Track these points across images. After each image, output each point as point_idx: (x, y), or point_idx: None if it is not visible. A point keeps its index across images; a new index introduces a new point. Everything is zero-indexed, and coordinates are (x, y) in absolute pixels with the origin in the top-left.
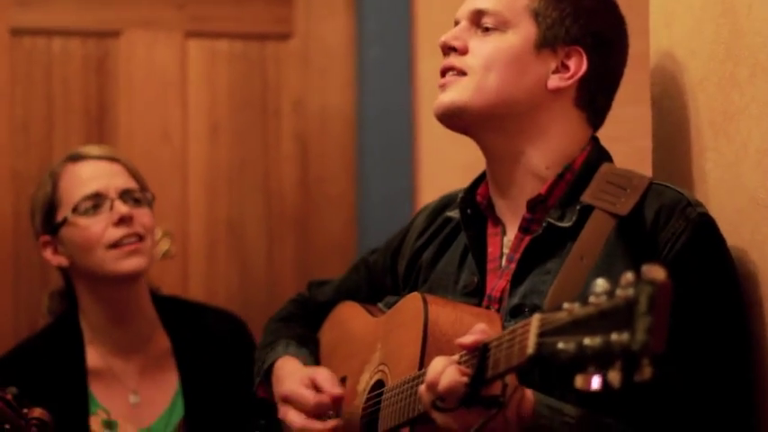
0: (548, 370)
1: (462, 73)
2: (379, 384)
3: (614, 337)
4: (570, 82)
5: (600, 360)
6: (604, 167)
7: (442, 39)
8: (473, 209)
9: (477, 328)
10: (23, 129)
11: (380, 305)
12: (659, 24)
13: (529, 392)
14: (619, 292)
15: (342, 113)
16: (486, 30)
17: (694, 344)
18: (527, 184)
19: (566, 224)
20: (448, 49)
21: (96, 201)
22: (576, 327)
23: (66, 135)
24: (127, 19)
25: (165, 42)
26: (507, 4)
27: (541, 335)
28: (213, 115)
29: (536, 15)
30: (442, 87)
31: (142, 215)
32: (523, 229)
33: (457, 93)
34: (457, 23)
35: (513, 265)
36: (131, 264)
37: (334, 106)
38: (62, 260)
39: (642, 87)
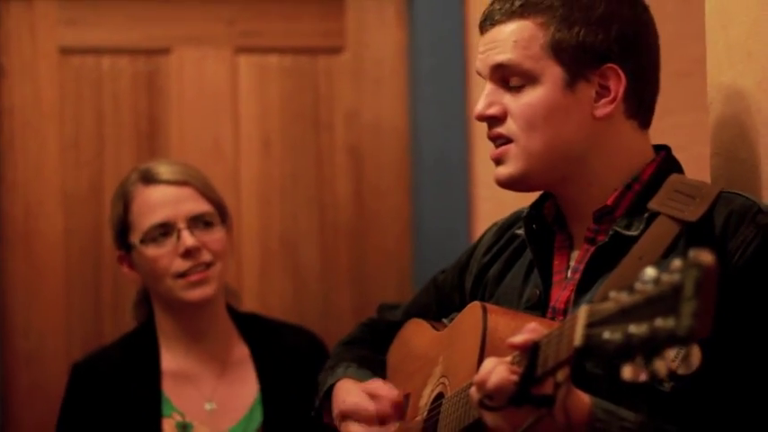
0: (610, 371)
1: (509, 140)
2: (440, 397)
3: (659, 322)
4: (616, 103)
5: (647, 348)
6: (673, 177)
7: (477, 111)
8: (540, 224)
9: (529, 327)
10: (74, 147)
11: (445, 320)
12: (716, 26)
13: (584, 396)
14: (665, 277)
15: (395, 125)
16: (516, 87)
17: (765, 353)
18: (594, 200)
19: (633, 233)
20: (486, 120)
21: (164, 230)
22: (623, 315)
23: (116, 153)
24: (176, 36)
25: (215, 58)
26: (524, 51)
27: (589, 326)
28: (265, 130)
29: (555, 52)
30: (496, 161)
31: (213, 241)
32: (590, 240)
33: (511, 165)
34: (479, 73)
35: (577, 276)
36: (198, 294)
37: (388, 118)
38: (136, 276)
39: (699, 93)
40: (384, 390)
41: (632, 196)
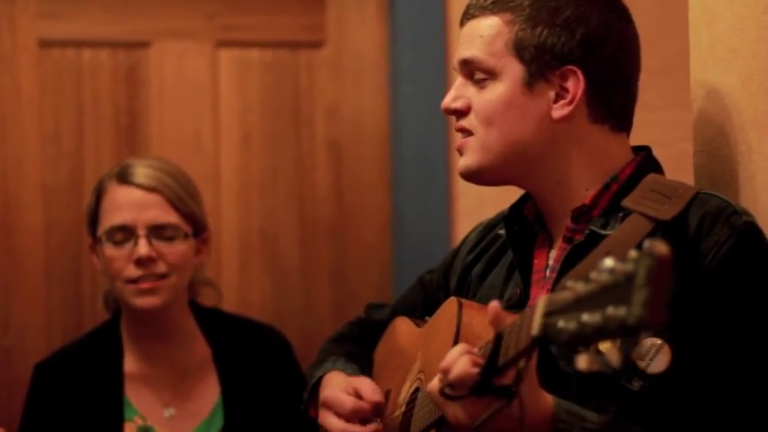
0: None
1: (470, 133)
2: (418, 392)
3: (611, 311)
4: (574, 105)
5: (599, 337)
6: (650, 177)
7: (443, 104)
8: (521, 224)
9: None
10: (54, 140)
11: (428, 317)
12: (699, 23)
13: (548, 396)
14: (619, 267)
15: (375, 120)
16: (480, 82)
17: (735, 355)
18: (568, 200)
19: (608, 231)
20: (451, 113)
21: (124, 234)
22: (579, 304)
23: (96, 146)
24: (156, 29)
25: (196, 52)
26: (488, 47)
27: (546, 315)
28: (245, 124)
29: (517, 50)
30: (459, 151)
31: (171, 253)
32: (567, 239)
33: (469, 156)
34: (454, 69)
35: (554, 275)
36: (146, 302)
37: (368, 113)
38: (101, 268)
39: (680, 90)
40: (367, 389)
41: (610, 196)
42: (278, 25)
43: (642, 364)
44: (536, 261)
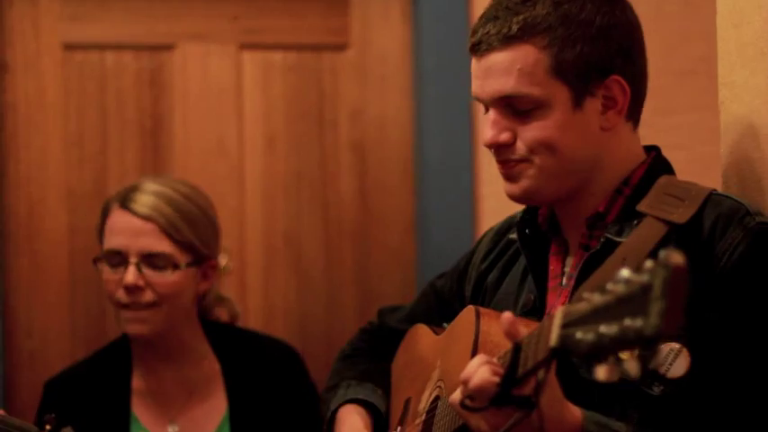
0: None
1: (522, 161)
2: (438, 400)
3: (628, 322)
4: (623, 113)
5: (618, 348)
6: (663, 179)
7: (487, 139)
8: (533, 229)
9: (518, 327)
10: (77, 144)
11: (446, 324)
12: (727, 25)
13: (575, 409)
14: (635, 278)
15: (400, 122)
16: (525, 112)
17: (753, 357)
18: (588, 207)
19: (624, 239)
20: (497, 147)
21: (118, 258)
22: (596, 316)
23: (120, 149)
24: (180, 32)
25: (220, 55)
26: (531, 78)
27: (564, 326)
28: (269, 127)
29: (561, 73)
30: (507, 178)
31: (161, 283)
32: (583, 246)
33: (525, 182)
34: (478, 99)
35: (572, 283)
36: (134, 329)
37: (392, 115)
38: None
39: (703, 93)
40: None
41: (623, 201)
42: (302, 28)
43: (662, 370)
44: (551, 267)
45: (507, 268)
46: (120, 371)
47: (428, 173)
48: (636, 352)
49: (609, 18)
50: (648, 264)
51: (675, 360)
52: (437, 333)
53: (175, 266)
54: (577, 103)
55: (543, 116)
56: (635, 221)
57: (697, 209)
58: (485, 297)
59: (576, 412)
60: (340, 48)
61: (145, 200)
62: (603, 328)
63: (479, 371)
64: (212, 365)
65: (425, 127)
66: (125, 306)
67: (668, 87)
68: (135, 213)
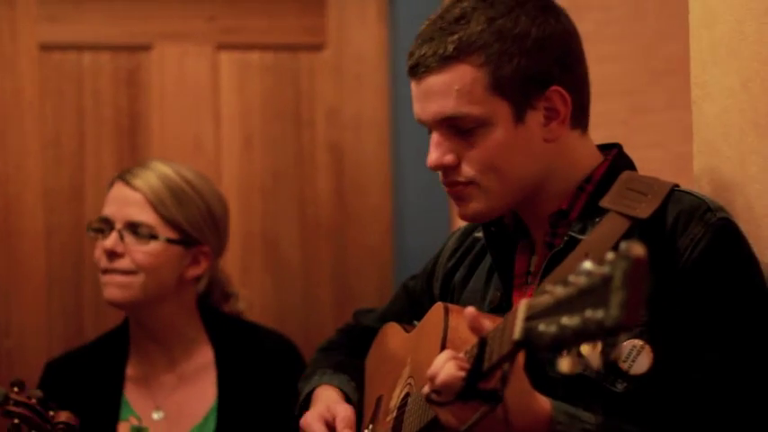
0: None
1: (469, 183)
2: (408, 397)
3: (589, 313)
4: (566, 123)
5: (579, 339)
6: (625, 175)
7: (432, 162)
8: (499, 227)
9: (483, 321)
10: (54, 143)
11: (416, 321)
12: (699, 25)
13: (544, 399)
14: (596, 270)
15: (376, 122)
16: (467, 132)
17: (716, 352)
18: (551, 204)
19: (586, 236)
20: (441, 169)
21: (103, 225)
22: (558, 308)
23: (97, 149)
24: (157, 32)
25: (197, 55)
26: (470, 98)
27: (528, 319)
28: (246, 126)
29: (500, 90)
30: (455, 198)
31: (139, 252)
32: (547, 244)
33: (475, 204)
34: (420, 121)
35: (537, 280)
36: (109, 293)
37: (369, 115)
38: None
39: (678, 92)
40: (340, 422)
41: (585, 198)
42: (278, 28)
43: (624, 366)
44: (517, 266)
45: (474, 266)
46: (116, 356)
47: (405, 172)
48: (598, 344)
49: (544, 29)
50: (609, 255)
51: (638, 357)
52: (407, 331)
53: (155, 237)
54: (519, 117)
55: (486, 135)
56: (597, 219)
57: (659, 204)
58: (452, 295)
59: (544, 403)
60: (317, 48)
61: (142, 174)
62: (566, 320)
63: (446, 366)
64: (206, 354)
65: (402, 127)
66: (104, 271)
67: (645, 87)
68: (128, 184)
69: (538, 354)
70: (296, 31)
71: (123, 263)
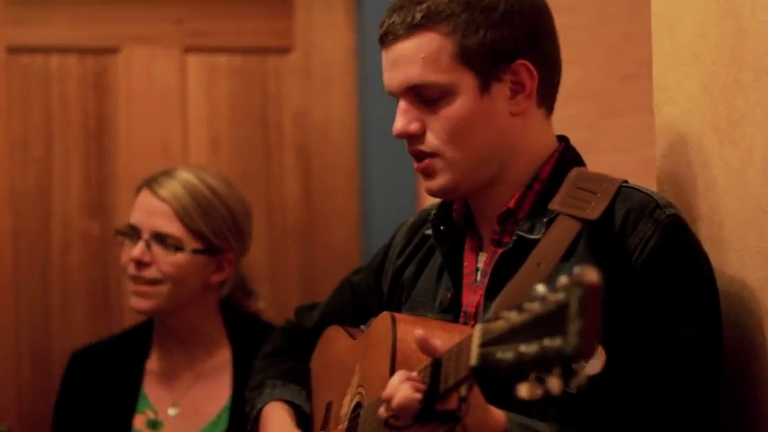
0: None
1: (433, 155)
2: (359, 406)
3: (547, 342)
4: (532, 97)
5: (538, 367)
6: (574, 172)
7: (396, 129)
8: (447, 225)
9: (433, 342)
10: (22, 146)
11: (363, 326)
12: (662, 28)
13: (499, 413)
14: (551, 296)
15: (344, 125)
16: (432, 101)
17: (666, 351)
18: (500, 202)
19: (535, 236)
20: (405, 137)
21: (131, 233)
22: (514, 335)
23: (65, 152)
24: (125, 35)
25: (164, 57)
26: (435, 66)
27: (483, 345)
28: (213, 129)
29: (465, 60)
30: (423, 173)
31: (165, 262)
32: (495, 242)
33: (441, 178)
34: (389, 91)
35: (486, 280)
36: (137, 304)
37: (336, 118)
38: None
39: (645, 95)
40: None
41: (533, 196)
42: (246, 31)
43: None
44: (466, 264)
45: (423, 263)
46: (138, 350)
47: (372, 175)
48: (557, 369)
49: (513, 3)
50: (563, 280)
51: (591, 358)
52: (353, 336)
53: (181, 249)
54: (484, 88)
55: (450, 104)
56: (545, 219)
57: (608, 202)
58: (402, 293)
59: (499, 416)
60: (284, 51)
61: (168, 184)
62: (523, 348)
63: (401, 389)
64: (224, 353)
65: (369, 129)
66: (132, 279)
67: (611, 90)
68: (155, 194)
69: (494, 378)
70: (263, 34)
71: (150, 272)
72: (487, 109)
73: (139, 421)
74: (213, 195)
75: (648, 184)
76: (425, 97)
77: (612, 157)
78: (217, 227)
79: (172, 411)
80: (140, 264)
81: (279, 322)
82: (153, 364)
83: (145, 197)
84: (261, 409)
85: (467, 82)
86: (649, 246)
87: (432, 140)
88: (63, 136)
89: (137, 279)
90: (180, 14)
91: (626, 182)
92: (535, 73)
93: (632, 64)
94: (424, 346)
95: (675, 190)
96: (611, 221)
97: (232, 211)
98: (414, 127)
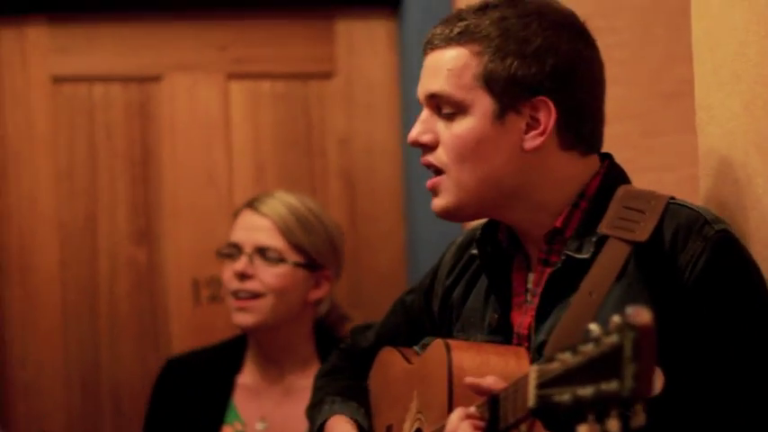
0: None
1: (440, 171)
2: None
3: (604, 386)
4: (546, 135)
5: (596, 408)
6: (621, 191)
7: (410, 137)
8: (494, 246)
9: (489, 378)
10: (67, 176)
11: (417, 348)
12: (703, 49)
13: None
14: (605, 339)
15: (388, 150)
16: (448, 116)
17: (724, 370)
18: (543, 224)
19: (584, 255)
20: (418, 146)
21: (233, 250)
22: (570, 377)
23: (110, 181)
24: (168, 63)
25: (207, 85)
26: (456, 81)
27: (540, 386)
28: (258, 156)
29: (487, 83)
30: (431, 191)
31: (268, 274)
32: (543, 261)
33: (444, 197)
34: (418, 100)
35: (536, 300)
36: (239, 319)
37: (380, 143)
38: None
39: (689, 114)
40: None
41: (580, 215)
42: (288, 56)
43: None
44: (515, 284)
45: (472, 283)
46: (231, 363)
47: (417, 199)
48: (615, 411)
49: (551, 42)
50: (616, 320)
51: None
52: (408, 359)
53: (283, 261)
54: (499, 115)
55: (462, 122)
56: (593, 238)
57: (657, 222)
58: (451, 313)
59: None
60: (326, 76)
61: (269, 202)
62: (580, 390)
63: (461, 427)
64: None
65: (414, 153)
66: (234, 294)
67: (655, 109)
68: (257, 212)
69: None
70: (306, 59)
71: (253, 284)
72: (498, 136)
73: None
74: (311, 213)
75: (693, 202)
76: (442, 110)
77: (656, 176)
78: (315, 243)
79: (260, 426)
80: (243, 277)
81: None
82: (244, 378)
83: (246, 216)
84: (323, 424)
85: (483, 104)
86: (700, 263)
87: (441, 155)
88: (108, 165)
89: (239, 293)
90: (222, 42)
91: (673, 198)
92: (553, 113)
93: (675, 83)
94: (478, 391)
95: (720, 209)
96: (661, 240)
97: (328, 229)
98: (426, 138)
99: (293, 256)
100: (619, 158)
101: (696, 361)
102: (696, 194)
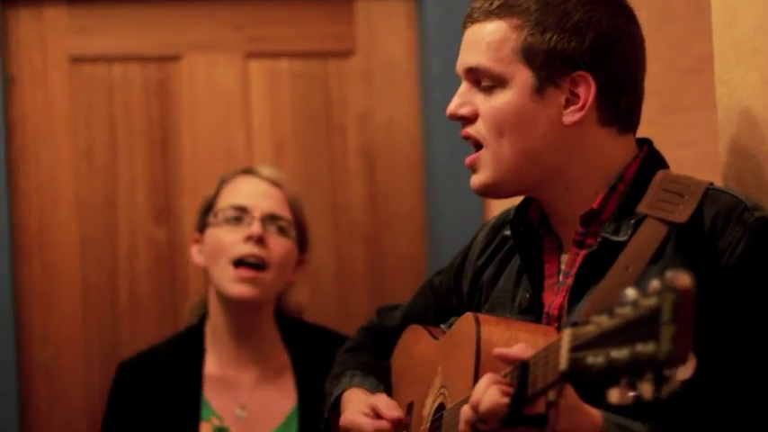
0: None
1: (479, 144)
2: (441, 408)
3: (640, 347)
4: (585, 110)
5: (630, 372)
6: (660, 175)
7: (449, 110)
8: (526, 226)
9: (518, 346)
10: (87, 156)
11: (443, 326)
12: (722, 24)
13: (594, 411)
14: (643, 301)
15: (407, 127)
16: (487, 89)
17: (758, 355)
18: (577, 204)
19: (621, 238)
20: (457, 119)
21: (240, 213)
22: (605, 339)
23: (129, 160)
24: (186, 42)
25: (226, 64)
26: (495, 54)
27: (573, 349)
28: (277, 134)
29: (526, 57)
30: (470, 168)
31: (277, 245)
32: (578, 243)
33: (482, 173)
34: (458, 74)
35: (569, 281)
36: (242, 290)
37: (400, 120)
38: (201, 260)
39: (709, 90)
40: (384, 407)
41: (618, 198)
42: (307, 35)
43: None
44: (547, 265)
45: (504, 265)
46: (192, 356)
47: (437, 176)
48: (649, 375)
49: (591, 16)
50: (655, 284)
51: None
52: (435, 336)
53: (288, 233)
54: (539, 89)
55: (501, 95)
56: (632, 220)
57: (696, 205)
58: (481, 293)
59: (594, 416)
60: (346, 54)
61: (272, 171)
62: (614, 353)
63: (488, 393)
64: (282, 356)
65: (433, 130)
66: (240, 262)
67: (675, 85)
68: (264, 178)
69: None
70: (324, 37)
71: (263, 252)
72: (537, 110)
73: (206, 429)
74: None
75: (713, 178)
76: (482, 83)
77: (677, 152)
78: (305, 222)
79: (240, 413)
80: (257, 241)
81: (324, 322)
82: (212, 369)
83: (248, 180)
84: (340, 396)
85: (522, 78)
86: (738, 249)
87: (480, 128)
88: (127, 144)
89: (248, 259)
90: (240, 21)
91: (712, 184)
92: (593, 88)
93: (695, 59)
94: (506, 360)
95: (739, 185)
96: (700, 224)
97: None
98: (465, 110)
99: (293, 232)
100: (639, 135)
101: (730, 346)
102: (716, 170)
